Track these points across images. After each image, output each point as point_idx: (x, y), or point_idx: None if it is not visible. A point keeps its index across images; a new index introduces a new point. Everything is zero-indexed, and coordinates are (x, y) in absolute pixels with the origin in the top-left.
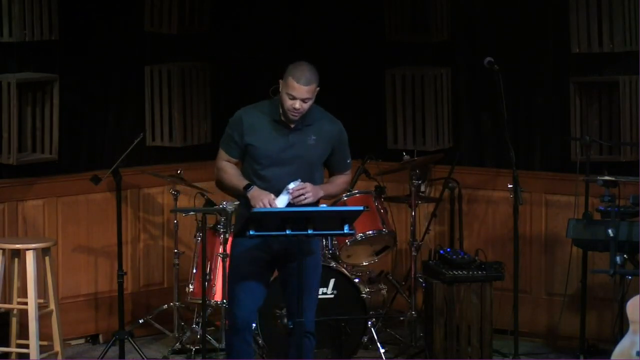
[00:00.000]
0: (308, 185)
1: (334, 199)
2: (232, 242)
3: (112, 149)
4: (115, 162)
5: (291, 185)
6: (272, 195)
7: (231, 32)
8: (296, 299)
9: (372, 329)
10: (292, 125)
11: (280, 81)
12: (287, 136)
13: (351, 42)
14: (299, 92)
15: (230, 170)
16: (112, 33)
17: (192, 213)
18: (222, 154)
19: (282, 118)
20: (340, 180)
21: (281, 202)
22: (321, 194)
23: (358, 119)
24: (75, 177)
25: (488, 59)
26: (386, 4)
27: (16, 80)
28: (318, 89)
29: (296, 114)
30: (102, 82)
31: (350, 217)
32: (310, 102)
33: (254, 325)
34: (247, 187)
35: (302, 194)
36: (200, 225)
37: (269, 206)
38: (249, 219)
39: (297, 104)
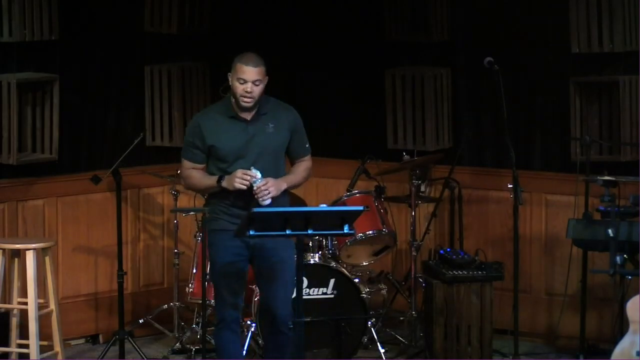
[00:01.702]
0: (270, 181)
1: (298, 187)
2: (209, 239)
3: (112, 149)
4: (115, 162)
5: (256, 174)
6: (239, 170)
7: (231, 32)
8: (270, 290)
9: (372, 329)
10: (249, 118)
11: (229, 74)
12: (245, 129)
13: (351, 42)
14: (248, 74)
15: (196, 174)
16: (112, 33)
17: (192, 213)
18: (186, 163)
19: (237, 112)
20: (302, 168)
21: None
22: (284, 186)
23: (358, 119)
24: (75, 177)
25: (488, 59)
26: (386, 4)
27: (16, 80)
28: (267, 77)
29: (249, 99)
30: (102, 82)
31: (350, 217)
32: (261, 87)
33: (254, 325)
34: (219, 180)
35: (266, 190)
36: (200, 225)
37: (247, 180)
38: (249, 218)
39: (249, 87)
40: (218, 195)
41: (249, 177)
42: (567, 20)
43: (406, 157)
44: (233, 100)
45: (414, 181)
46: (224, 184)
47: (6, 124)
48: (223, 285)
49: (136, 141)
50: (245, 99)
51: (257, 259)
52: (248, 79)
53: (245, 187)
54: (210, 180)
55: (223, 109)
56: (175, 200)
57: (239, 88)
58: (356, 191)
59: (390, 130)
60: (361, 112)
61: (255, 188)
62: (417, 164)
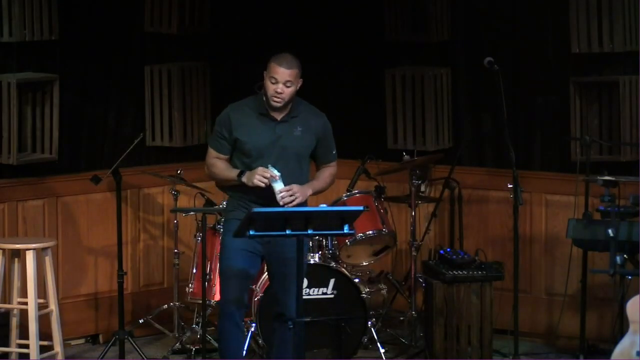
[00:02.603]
0: (295, 187)
1: (321, 193)
2: (225, 228)
3: (112, 149)
4: (115, 162)
5: (274, 173)
6: (260, 167)
7: (231, 32)
8: (283, 285)
9: (372, 329)
10: (279, 118)
11: (264, 72)
12: (274, 129)
13: (351, 42)
14: (281, 75)
15: (219, 164)
16: (112, 33)
17: (192, 213)
18: (211, 152)
19: (268, 110)
20: (326, 174)
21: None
22: (309, 192)
23: (358, 119)
24: (75, 177)
25: (488, 59)
26: (386, 4)
27: (16, 80)
28: (301, 80)
29: (279, 99)
30: (102, 82)
31: (350, 217)
32: (292, 88)
33: (254, 325)
34: (240, 175)
35: (291, 196)
36: (200, 225)
37: (266, 178)
38: (249, 218)
39: (280, 87)
40: (240, 190)
41: (268, 176)
42: (567, 20)
43: (406, 157)
44: (265, 98)
45: (414, 181)
46: (244, 179)
47: (6, 124)
48: (233, 273)
49: (136, 141)
50: (276, 99)
51: (272, 255)
52: (280, 79)
53: (263, 185)
54: (231, 173)
55: (255, 105)
56: (175, 200)
57: (271, 88)
58: (356, 191)
59: (390, 130)
60: (361, 112)
61: (276, 191)
62: (417, 164)
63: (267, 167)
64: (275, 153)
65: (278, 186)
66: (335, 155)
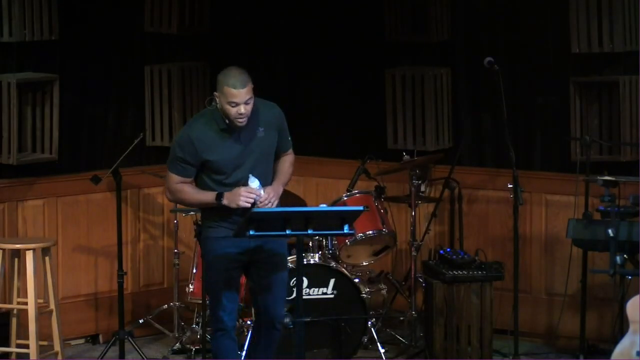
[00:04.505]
0: (270, 191)
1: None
2: (206, 247)
3: (112, 149)
4: (115, 162)
5: (254, 184)
6: (241, 188)
7: (231, 32)
8: (269, 291)
9: (372, 329)
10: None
11: (216, 93)
12: (238, 138)
13: (351, 42)
14: (239, 97)
15: (187, 189)
16: (112, 33)
17: (192, 213)
18: (173, 177)
19: (229, 124)
20: (287, 165)
21: (255, 184)
22: (281, 189)
23: (358, 119)
24: (75, 177)
25: (488, 59)
26: (386, 4)
27: (16, 80)
28: (252, 85)
29: (243, 118)
30: (102, 82)
31: (350, 217)
32: (252, 102)
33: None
34: (219, 198)
35: (270, 201)
36: (197, 226)
37: (252, 198)
38: (249, 219)
39: (242, 109)
40: (217, 208)
41: (253, 196)
42: (567, 20)
43: (406, 157)
44: (227, 120)
45: (414, 181)
46: (225, 202)
47: (6, 124)
48: (223, 292)
49: (136, 141)
50: (240, 120)
51: (256, 264)
52: (239, 101)
53: (250, 205)
54: (205, 197)
55: (212, 121)
56: None
57: (232, 110)
58: (356, 191)
59: (390, 130)
60: (361, 112)
61: (258, 203)
62: (417, 164)
63: (248, 176)
64: (250, 161)
65: (255, 184)
66: (291, 143)
